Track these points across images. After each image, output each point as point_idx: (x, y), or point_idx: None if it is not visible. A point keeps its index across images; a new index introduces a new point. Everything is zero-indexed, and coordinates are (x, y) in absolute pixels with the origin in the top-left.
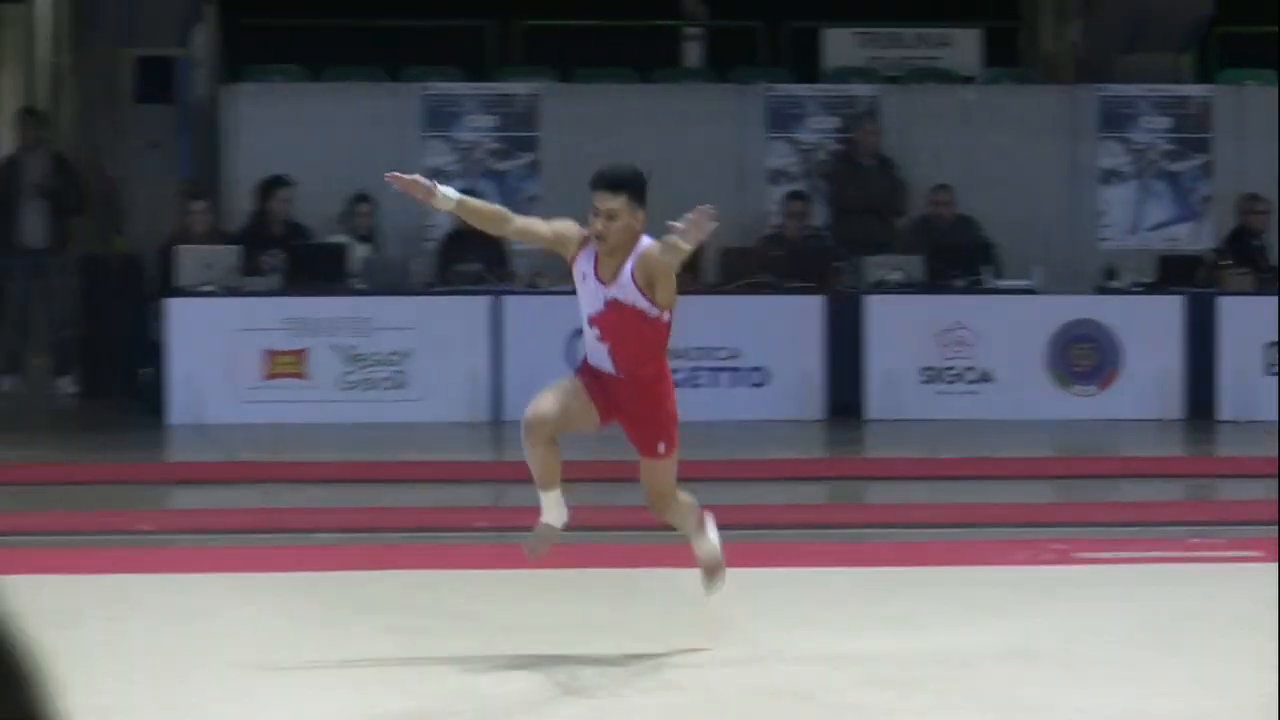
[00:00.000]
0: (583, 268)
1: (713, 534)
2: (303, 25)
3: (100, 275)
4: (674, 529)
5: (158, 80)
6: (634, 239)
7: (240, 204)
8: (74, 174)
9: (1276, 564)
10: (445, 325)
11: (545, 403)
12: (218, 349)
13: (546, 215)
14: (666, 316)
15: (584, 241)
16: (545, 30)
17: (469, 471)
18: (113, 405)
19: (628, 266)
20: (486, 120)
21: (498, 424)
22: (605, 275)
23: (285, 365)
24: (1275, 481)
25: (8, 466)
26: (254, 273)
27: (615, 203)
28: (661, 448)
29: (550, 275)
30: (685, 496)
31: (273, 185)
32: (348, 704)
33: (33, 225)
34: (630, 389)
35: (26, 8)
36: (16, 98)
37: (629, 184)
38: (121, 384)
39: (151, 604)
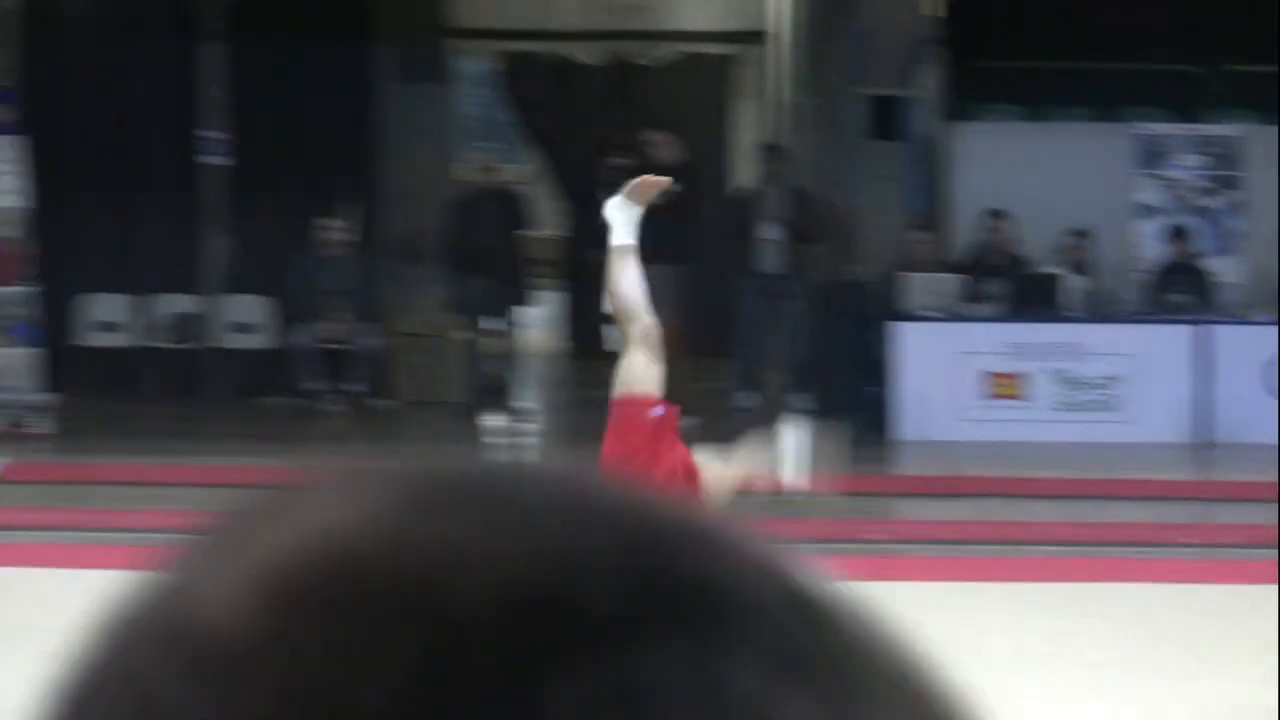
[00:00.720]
0: None
1: None
2: (1023, 68)
3: (832, 299)
4: None
5: (888, 118)
6: None
7: (963, 235)
8: (810, 205)
9: None
10: (1154, 351)
11: None
12: (941, 370)
13: (1254, 253)
14: None
15: None
16: (1250, 75)
17: (1177, 490)
18: (842, 421)
19: None
20: (1194, 159)
21: (1204, 446)
22: None
23: (1005, 387)
24: None
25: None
26: (975, 299)
27: None
28: None
29: (1256, 306)
30: None
31: (992, 217)
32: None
33: (771, 252)
34: None
35: (765, 48)
36: (755, 133)
37: None
38: (851, 401)
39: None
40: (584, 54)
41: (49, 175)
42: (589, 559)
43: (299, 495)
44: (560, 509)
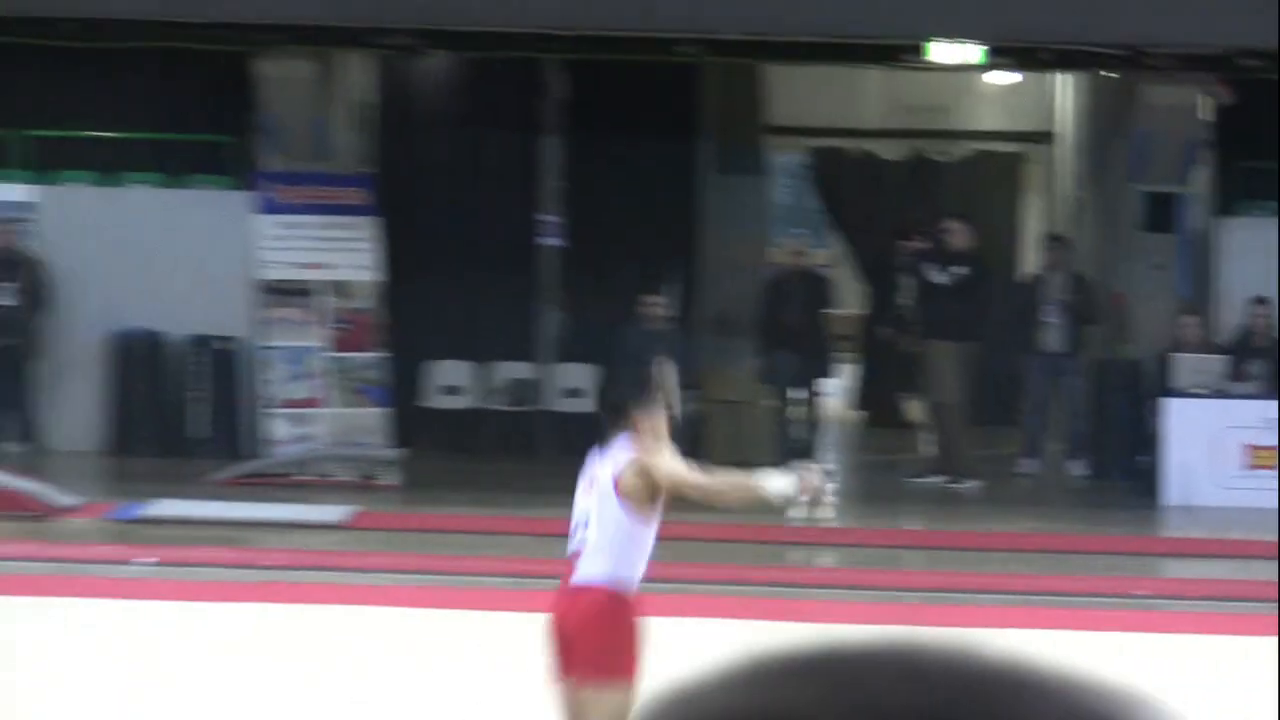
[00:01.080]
0: None
1: None
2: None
3: (1108, 376)
4: None
5: (1161, 212)
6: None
7: (1228, 319)
8: (1090, 291)
9: None
10: None
11: None
12: (1206, 442)
13: None
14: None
15: None
16: None
17: None
18: (1115, 487)
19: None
20: None
21: None
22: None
23: (1263, 458)
24: None
25: (1030, 535)
26: (1238, 378)
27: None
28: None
29: None
30: None
31: (1256, 304)
32: None
33: (1053, 332)
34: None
35: (1051, 147)
36: (1041, 224)
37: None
38: (1123, 469)
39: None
40: (887, 150)
41: (401, 253)
42: (902, 710)
43: (696, 682)
44: (886, 670)
